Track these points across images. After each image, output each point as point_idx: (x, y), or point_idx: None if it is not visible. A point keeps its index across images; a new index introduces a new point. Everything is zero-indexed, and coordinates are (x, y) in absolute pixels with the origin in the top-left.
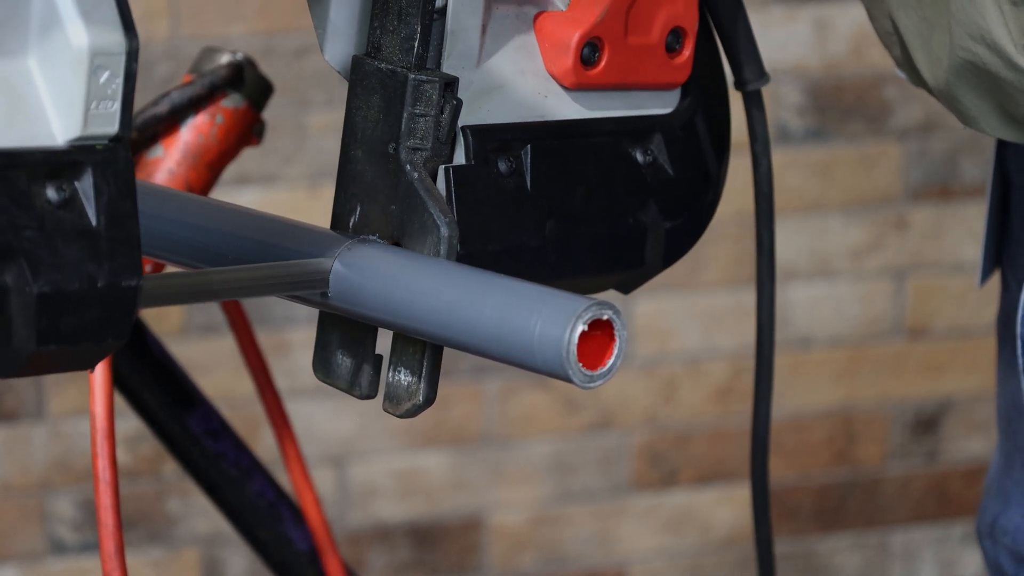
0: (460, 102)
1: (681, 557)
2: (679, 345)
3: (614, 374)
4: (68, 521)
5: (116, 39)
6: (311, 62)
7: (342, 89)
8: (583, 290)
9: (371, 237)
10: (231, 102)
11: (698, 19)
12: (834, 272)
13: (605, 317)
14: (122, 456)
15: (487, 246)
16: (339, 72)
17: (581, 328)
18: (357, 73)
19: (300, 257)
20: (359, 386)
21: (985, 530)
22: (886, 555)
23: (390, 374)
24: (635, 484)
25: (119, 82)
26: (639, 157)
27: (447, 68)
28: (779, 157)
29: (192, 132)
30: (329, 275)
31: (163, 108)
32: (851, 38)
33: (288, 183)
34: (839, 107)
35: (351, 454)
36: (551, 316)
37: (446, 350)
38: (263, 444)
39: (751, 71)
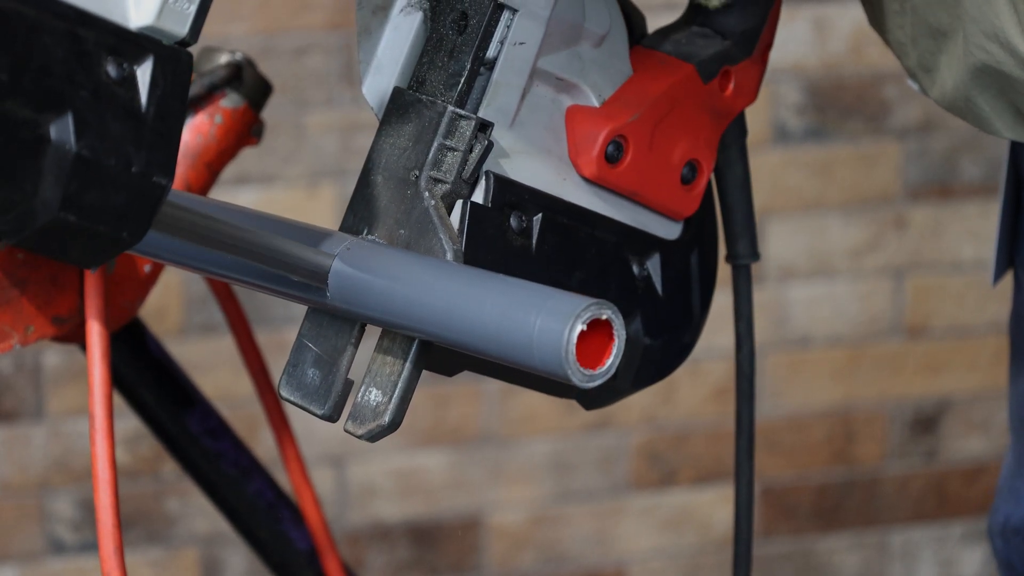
0: (491, 144)
1: (680, 556)
2: None
3: (612, 373)
4: (67, 521)
5: None
6: (310, 62)
7: (341, 89)
8: (547, 388)
9: (371, 237)
10: (230, 102)
11: (713, 165)
12: (833, 271)
13: (604, 317)
14: (121, 456)
15: None
16: (372, 107)
17: (580, 327)
18: (396, 103)
19: (299, 256)
20: (322, 404)
21: (997, 529)
22: (885, 554)
23: (360, 393)
24: (634, 484)
25: None
26: (635, 269)
27: (483, 115)
28: (778, 156)
29: (191, 132)
30: (328, 273)
31: None
32: (850, 37)
33: (287, 183)
34: (838, 106)
35: (350, 454)
36: (550, 315)
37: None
38: (262, 444)
39: (744, 247)
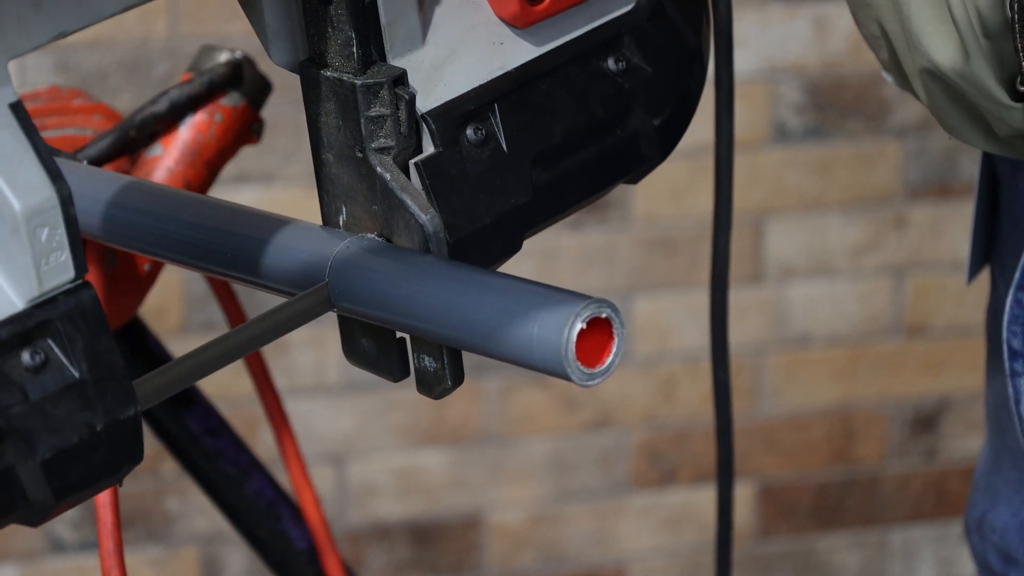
0: (413, 94)
1: (680, 556)
2: (678, 344)
3: (613, 372)
4: (67, 519)
5: (45, 194)
6: None
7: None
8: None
9: (369, 235)
10: (230, 100)
11: None
12: (833, 270)
13: (604, 315)
14: None
15: (477, 224)
16: (293, 72)
17: (580, 326)
18: (307, 81)
19: (298, 256)
20: (390, 371)
21: (973, 526)
22: (885, 553)
23: (415, 360)
24: (634, 483)
25: (61, 231)
26: (612, 66)
27: (393, 57)
28: (778, 155)
29: (191, 130)
30: (328, 273)
31: (162, 106)
32: (850, 36)
33: (287, 182)
34: (838, 105)
35: (350, 453)
36: (550, 314)
37: None
38: (262, 443)
39: None
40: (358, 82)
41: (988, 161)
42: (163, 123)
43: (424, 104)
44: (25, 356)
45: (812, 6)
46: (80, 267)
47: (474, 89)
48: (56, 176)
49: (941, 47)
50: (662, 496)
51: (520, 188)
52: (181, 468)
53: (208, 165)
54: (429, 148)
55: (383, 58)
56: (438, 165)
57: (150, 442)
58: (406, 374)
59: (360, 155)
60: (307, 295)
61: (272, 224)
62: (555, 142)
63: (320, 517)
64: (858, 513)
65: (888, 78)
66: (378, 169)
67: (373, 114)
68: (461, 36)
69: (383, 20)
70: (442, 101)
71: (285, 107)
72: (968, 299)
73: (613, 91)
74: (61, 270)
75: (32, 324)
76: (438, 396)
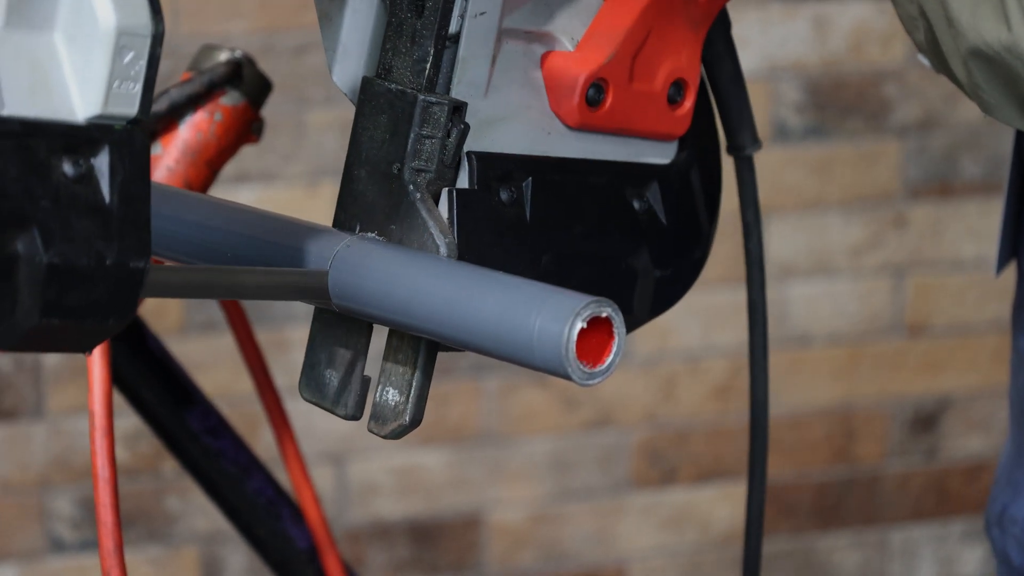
0: (467, 126)
1: (680, 555)
2: (678, 343)
3: (613, 372)
4: (67, 519)
5: (143, 21)
6: (310, 60)
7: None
8: None
9: (370, 234)
10: (230, 100)
11: (700, 75)
12: (833, 270)
13: (604, 315)
14: (121, 454)
15: None
16: (346, 94)
17: (580, 325)
18: (366, 93)
19: (299, 254)
20: (344, 405)
21: (994, 519)
22: (885, 553)
23: (378, 393)
24: (634, 482)
25: (142, 64)
26: (635, 203)
27: (455, 95)
28: (778, 155)
29: (191, 130)
30: (328, 273)
31: (162, 105)
32: (850, 35)
33: (287, 181)
34: (838, 104)
35: (350, 452)
36: (550, 313)
37: (443, 349)
38: (262, 442)
39: (745, 137)
40: (421, 96)
41: (1019, 157)
42: (163, 122)
43: (470, 146)
44: (68, 164)
45: (812, 5)
46: (145, 109)
47: (516, 155)
48: (157, 11)
49: (990, 22)
50: (662, 495)
51: (529, 263)
52: (181, 467)
53: (208, 164)
54: (463, 185)
55: (447, 90)
56: (469, 201)
57: (151, 441)
58: (359, 415)
59: (396, 171)
60: (307, 272)
61: (272, 223)
62: (570, 240)
63: (320, 516)
64: (858, 512)
65: (924, 61)
66: (410, 187)
67: (424, 133)
68: (517, 109)
69: (460, 54)
70: (487, 150)
71: (285, 106)
72: (968, 298)
73: (630, 223)
74: (128, 101)
75: (84, 138)
76: (390, 434)
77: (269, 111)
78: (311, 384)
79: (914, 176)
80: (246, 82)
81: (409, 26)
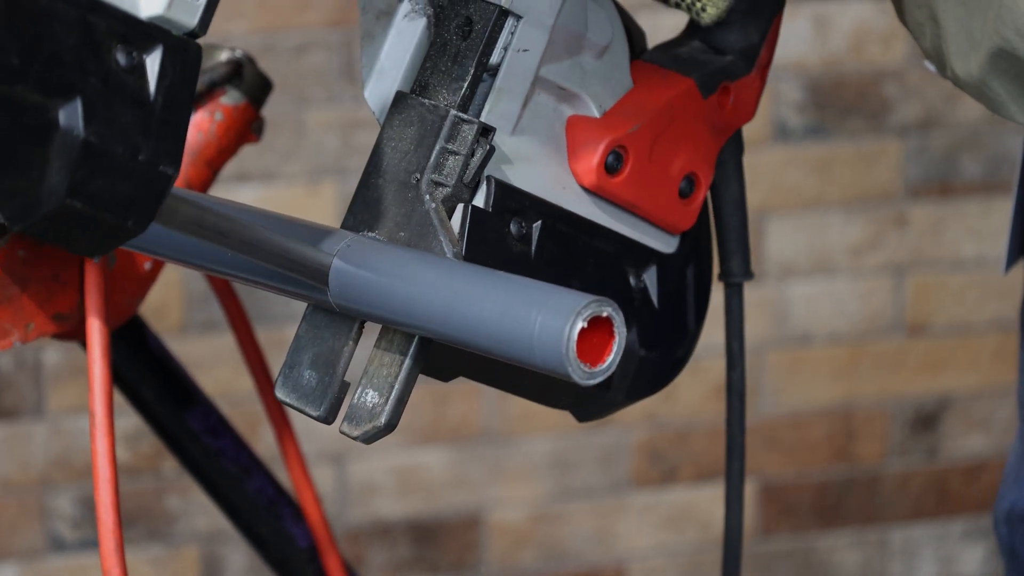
0: (493, 149)
1: (680, 554)
2: None
3: (613, 371)
4: (68, 518)
5: None
6: (310, 59)
7: (341, 87)
8: (541, 397)
9: (371, 234)
10: (230, 99)
11: (711, 180)
12: (834, 269)
13: (605, 314)
14: (122, 453)
15: None
16: (374, 113)
17: (581, 325)
18: (398, 106)
19: (300, 253)
20: (318, 406)
21: (1001, 516)
22: (885, 552)
23: (356, 394)
24: (634, 481)
25: None
26: (632, 280)
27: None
28: (779, 154)
29: (191, 129)
30: (329, 270)
31: None
32: (851, 35)
33: (287, 180)
34: (839, 104)
35: (351, 451)
36: (551, 312)
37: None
38: (263, 441)
39: (738, 265)
40: (452, 112)
41: None
42: None
43: (491, 172)
44: (122, 53)
45: (813, 5)
46: (204, 25)
47: (532, 195)
48: None
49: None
50: (662, 495)
51: None
52: (182, 467)
53: (208, 163)
54: (480, 205)
55: (477, 115)
56: (483, 220)
57: (151, 441)
58: (333, 418)
59: (415, 180)
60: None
61: (273, 222)
62: None
63: (320, 516)
64: (859, 512)
65: (930, 67)
66: (426, 196)
67: (449, 148)
68: (539, 156)
69: (497, 83)
70: (507, 180)
71: (285, 106)
72: (969, 298)
73: (626, 298)
74: (191, 11)
75: (143, 31)
76: (361, 437)
77: (269, 110)
78: (287, 384)
79: (914, 176)
80: (246, 82)
81: (453, 47)
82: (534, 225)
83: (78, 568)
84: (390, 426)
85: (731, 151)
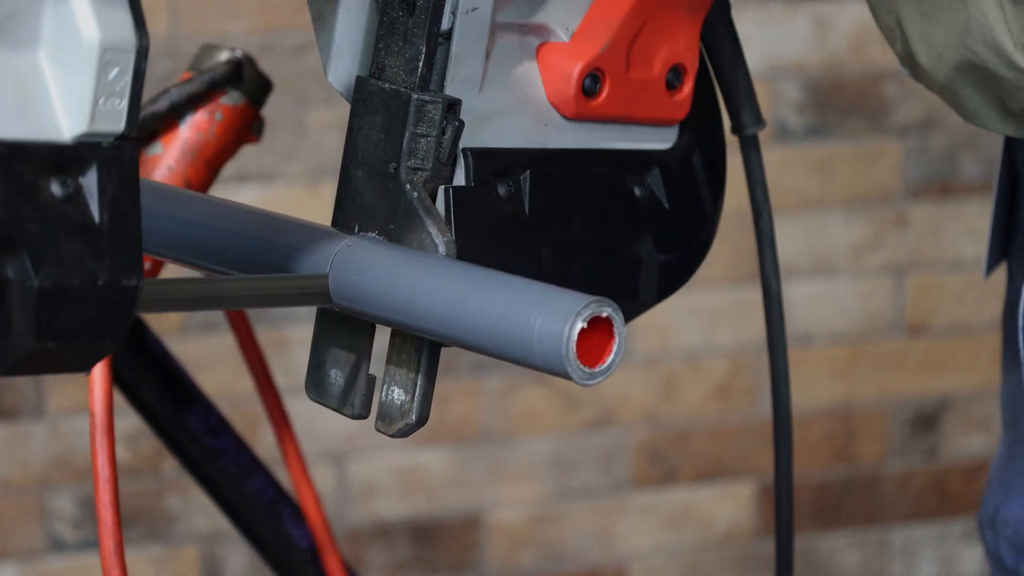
0: (462, 123)
1: (680, 554)
2: (679, 342)
3: (613, 371)
4: (68, 519)
5: (127, 36)
6: (310, 59)
7: None
8: None
9: (370, 234)
10: (230, 99)
11: (698, 58)
12: (834, 269)
13: (604, 314)
14: (121, 454)
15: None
16: (342, 93)
17: (580, 325)
18: (360, 93)
19: (299, 254)
20: (351, 405)
21: (986, 521)
22: (886, 552)
23: (383, 392)
24: (635, 481)
25: (128, 79)
26: (636, 191)
27: (450, 92)
28: (779, 154)
29: (191, 129)
30: (328, 273)
31: (162, 105)
32: (851, 35)
33: (287, 180)
34: (839, 104)
35: (351, 451)
36: (551, 313)
37: (444, 348)
38: (263, 442)
39: (748, 116)
40: (415, 95)
41: (1008, 156)
42: (163, 122)
43: (466, 142)
44: (56, 184)
45: (812, 5)
46: (132, 124)
47: (514, 149)
48: (141, 25)
49: (994, 16)
50: (662, 495)
51: (529, 257)
52: (181, 467)
53: (208, 164)
54: (460, 182)
55: (441, 88)
56: (466, 198)
57: (151, 441)
58: (367, 413)
59: (392, 170)
60: (306, 277)
61: (273, 223)
62: (571, 232)
63: (320, 516)
64: (859, 512)
65: (905, 71)
66: (407, 186)
67: (419, 132)
68: (513, 102)
69: (453, 50)
70: (483, 146)
71: (285, 106)
72: (969, 298)
73: (632, 211)
74: (115, 117)
75: (71, 156)
76: (397, 433)
77: (269, 111)
78: (317, 384)
79: (914, 176)
80: (246, 82)
81: (401, 24)
82: (521, 179)
83: (78, 568)
84: (421, 420)
85: (717, 12)
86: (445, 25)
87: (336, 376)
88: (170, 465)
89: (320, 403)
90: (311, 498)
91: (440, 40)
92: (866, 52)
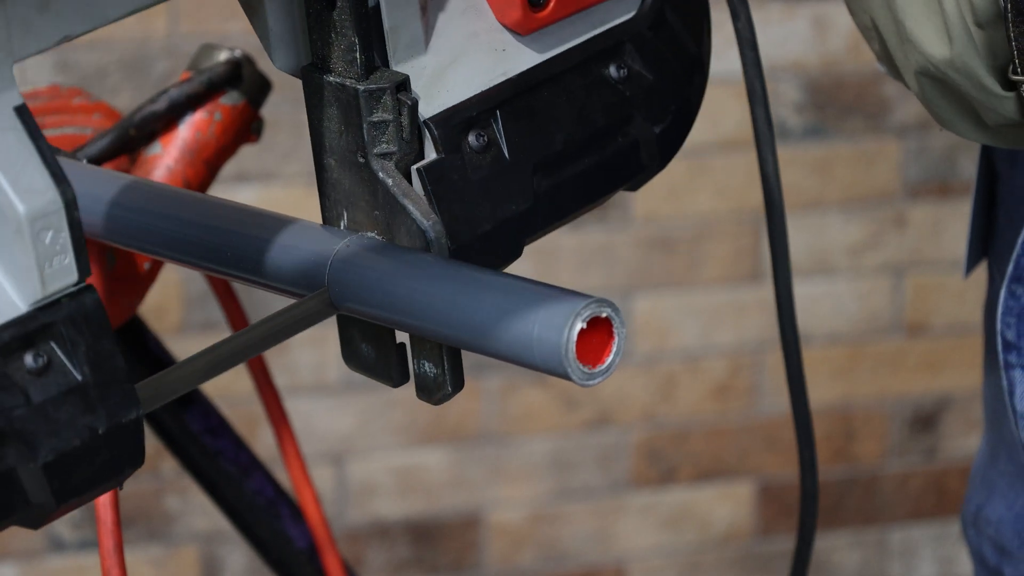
0: (416, 100)
1: (679, 554)
2: (678, 342)
3: (613, 372)
4: (67, 518)
5: (49, 197)
6: None
7: None
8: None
9: (369, 234)
10: (229, 99)
11: None
12: (833, 269)
13: (604, 315)
14: None
15: (478, 230)
16: (295, 76)
17: (580, 326)
18: (309, 87)
19: (298, 254)
20: (389, 376)
21: (969, 520)
22: (884, 552)
23: (415, 365)
24: (634, 481)
25: (65, 235)
26: (613, 74)
27: (396, 63)
28: (777, 154)
29: (190, 129)
30: (327, 271)
31: (161, 105)
32: (849, 35)
33: (286, 180)
34: (838, 104)
35: (350, 451)
36: (550, 314)
37: None
38: (262, 441)
39: None
40: (361, 87)
41: (986, 156)
42: (163, 122)
43: (426, 110)
44: (28, 359)
45: (811, 5)
46: (83, 270)
47: (476, 95)
48: (60, 179)
49: (933, 40)
50: (661, 495)
51: (521, 194)
52: (181, 467)
53: (207, 164)
54: (431, 154)
55: (386, 64)
56: (440, 171)
57: (150, 441)
58: (406, 379)
59: (362, 160)
60: (308, 300)
61: (272, 223)
62: (557, 149)
63: (320, 516)
64: (857, 512)
65: (882, 68)
66: (380, 175)
67: (375, 120)
68: (463, 42)
69: (386, 26)
70: (444, 107)
71: (284, 106)
72: (968, 298)
73: (614, 98)
74: (64, 273)
75: (35, 327)
76: (438, 402)
77: (268, 110)
78: (353, 356)
79: (913, 176)
80: (245, 82)
81: (326, 18)
82: (491, 121)
83: (77, 568)
84: (457, 388)
85: None
86: (371, 3)
87: (367, 349)
88: (169, 465)
89: (361, 372)
90: (310, 498)
91: (370, 20)
92: (865, 52)
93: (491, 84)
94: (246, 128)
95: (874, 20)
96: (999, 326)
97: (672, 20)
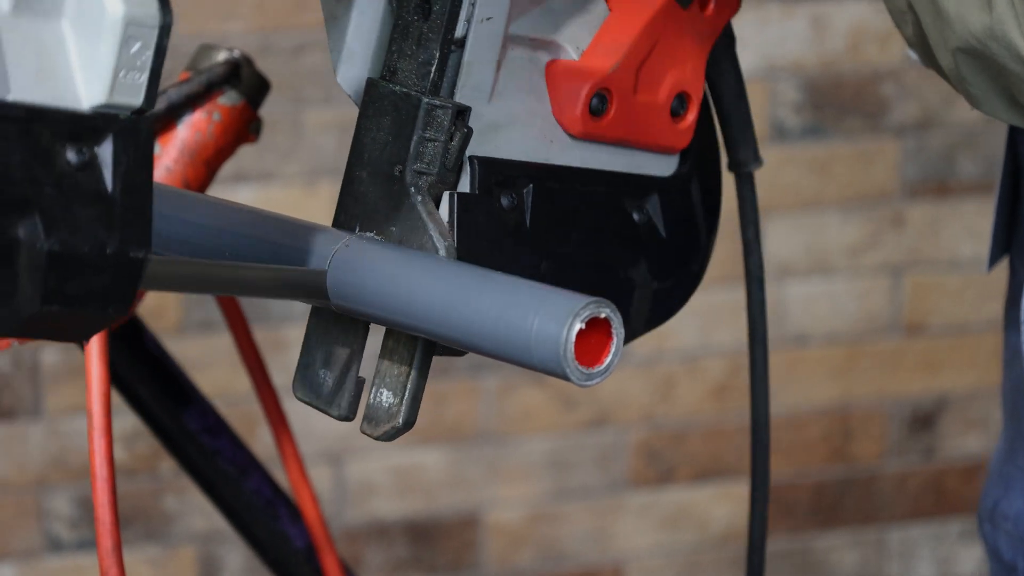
0: (470, 131)
1: (678, 554)
2: (676, 343)
3: (611, 372)
4: (65, 518)
5: (151, 11)
6: (308, 59)
7: (339, 87)
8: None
9: (368, 234)
10: (228, 99)
11: (703, 89)
12: (831, 269)
13: (603, 315)
14: (119, 453)
15: None
16: (350, 96)
17: (579, 326)
18: (370, 95)
19: (297, 253)
20: (338, 406)
21: (985, 515)
22: (883, 552)
23: (371, 394)
24: (632, 481)
25: (149, 55)
26: (635, 215)
27: (460, 99)
28: (776, 154)
29: (189, 129)
30: (327, 271)
31: (160, 105)
32: (848, 35)
33: (285, 180)
34: (836, 104)
35: (348, 451)
36: (549, 314)
37: (442, 349)
38: (260, 441)
39: (746, 153)
40: (425, 99)
41: (1012, 151)
42: (161, 122)
43: (473, 150)
44: (71, 152)
45: (810, 5)
46: (150, 100)
47: (518, 161)
48: (165, 2)
49: (973, 9)
50: (660, 495)
51: (528, 269)
52: (179, 467)
53: (206, 164)
54: (465, 189)
55: (451, 94)
56: (469, 205)
57: (148, 441)
58: (353, 415)
59: (398, 173)
60: (306, 271)
61: (271, 222)
62: (569, 248)
63: (318, 516)
64: (856, 512)
65: (911, 55)
66: (411, 188)
67: (427, 136)
68: (521, 115)
69: (466, 57)
70: (489, 155)
71: (283, 106)
72: (966, 298)
73: (629, 234)
74: (134, 91)
75: (89, 125)
76: (382, 436)
77: (267, 111)
78: (305, 384)
79: (912, 175)
80: (244, 82)
81: (415, 29)
82: (524, 191)
83: (75, 568)
84: (408, 424)
85: (722, 46)
86: (459, 32)
87: (325, 376)
88: (168, 465)
89: (306, 403)
90: (308, 498)
91: (453, 47)
92: (863, 52)
93: (534, 160)
94: (245, 128)
95: (910, 2)
96: (1023, 318)
97: (694, 199)
